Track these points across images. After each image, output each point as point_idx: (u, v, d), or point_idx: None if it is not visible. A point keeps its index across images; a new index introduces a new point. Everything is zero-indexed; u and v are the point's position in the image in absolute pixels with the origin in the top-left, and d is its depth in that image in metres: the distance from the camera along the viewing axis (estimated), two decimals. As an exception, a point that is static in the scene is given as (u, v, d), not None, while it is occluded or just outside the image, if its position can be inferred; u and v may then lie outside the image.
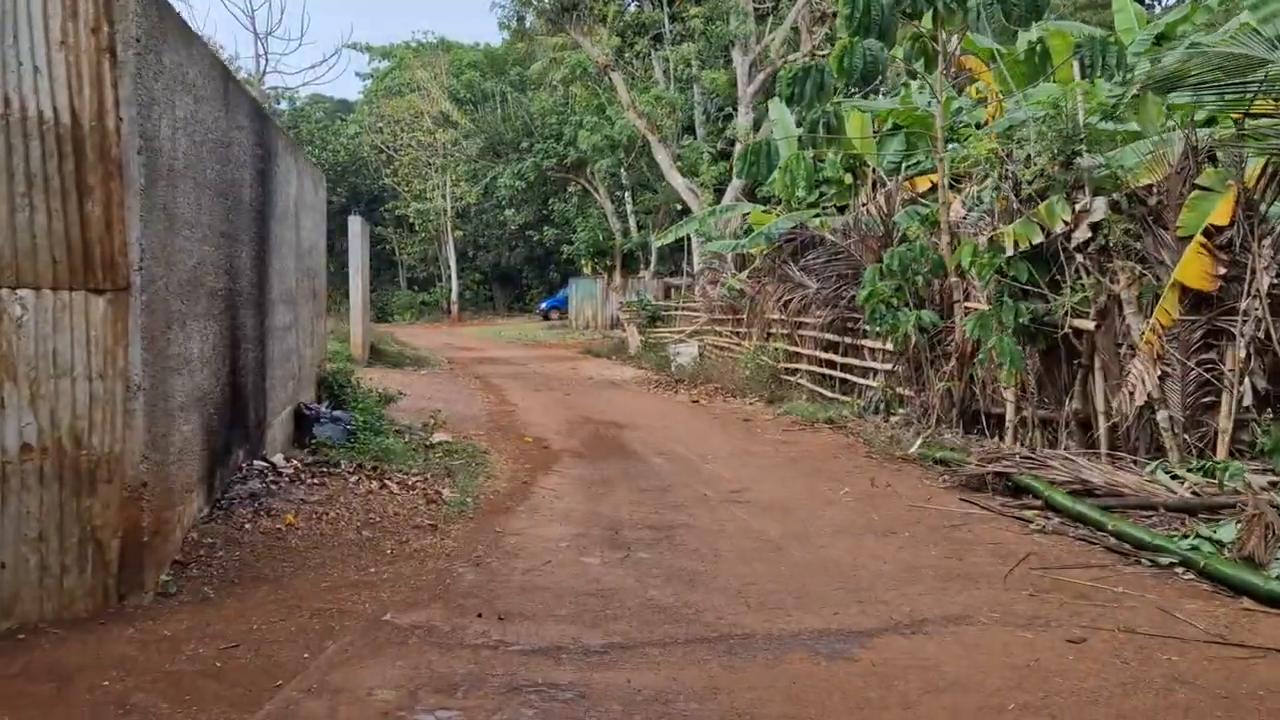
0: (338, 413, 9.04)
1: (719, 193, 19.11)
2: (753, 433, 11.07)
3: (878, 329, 10.74)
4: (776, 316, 14.59)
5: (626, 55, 21.69)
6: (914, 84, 13.84)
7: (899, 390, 11.17)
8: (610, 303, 28.33)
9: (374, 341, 19.95)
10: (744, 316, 16.46)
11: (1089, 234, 8.34)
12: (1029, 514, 6.79)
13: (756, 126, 19.20)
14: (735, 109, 19.18)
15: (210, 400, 5.73)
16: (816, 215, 13.77)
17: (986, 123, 12.19)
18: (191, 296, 5.27)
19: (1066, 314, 8.56)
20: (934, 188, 13.05)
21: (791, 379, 14.06)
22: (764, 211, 15.28)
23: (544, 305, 42.23)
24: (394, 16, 72.50)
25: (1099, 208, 8.31)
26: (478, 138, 24.18)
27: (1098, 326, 8.38)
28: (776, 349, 14.40)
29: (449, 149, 32.31)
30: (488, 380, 17.29)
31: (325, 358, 10.94)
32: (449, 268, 45.60)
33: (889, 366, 11.36)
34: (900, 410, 11.06)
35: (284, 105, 51.47)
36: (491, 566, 5.45)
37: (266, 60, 35.83)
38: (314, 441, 8.45)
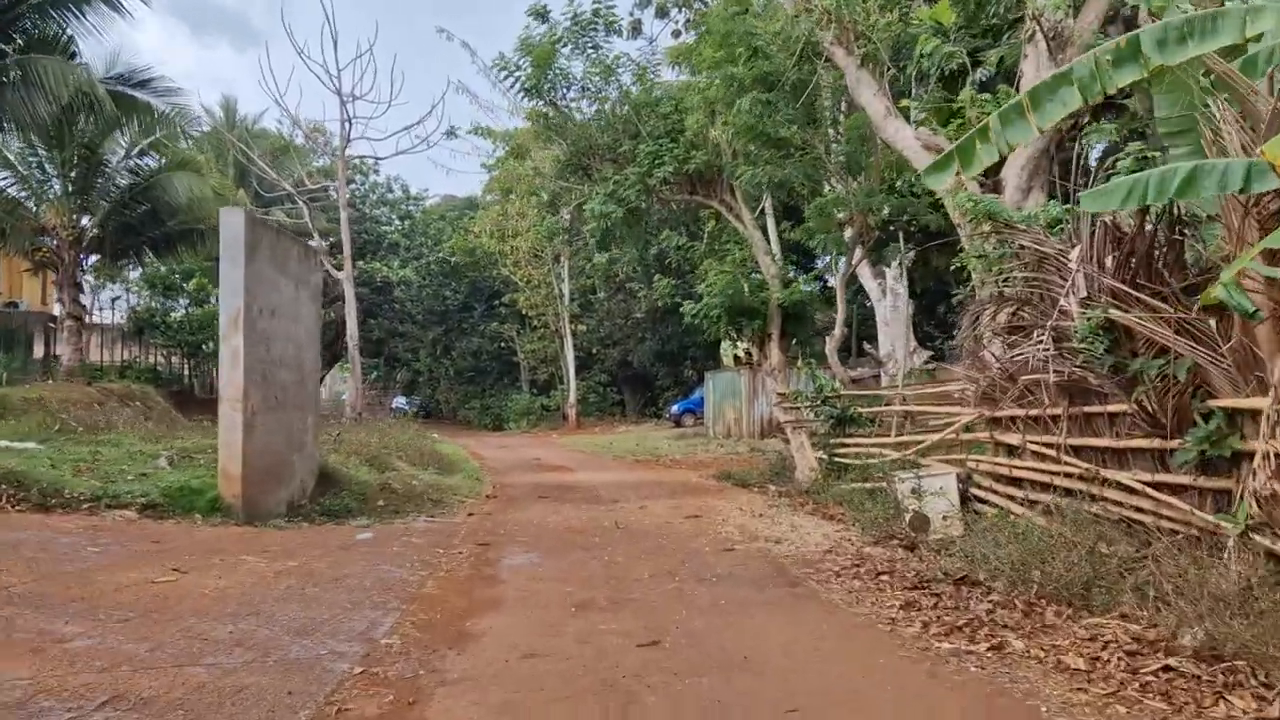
0: None
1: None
2: None
3: None
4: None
5: None
6: None
7: None
8: (760, 398, 17.81)
9: (330, 465, 10.32)
10: (1141, 409, 5.75)
11: None
12: None
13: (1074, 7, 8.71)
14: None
15: None
16: None
17: None
18: None
19: None
20: None
21: None
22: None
23: (675, 409, 32.44)
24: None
25: None
26: (560, 146, 14.83)
27: None
28: None
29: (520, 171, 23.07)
30: (492, 561, 7.20)
31: None
32: (568, 367, 36.71)
33: None
34: None
35: (413, 206, 45.54)
36: None
37: (351, 124, 29.04)
38: None
